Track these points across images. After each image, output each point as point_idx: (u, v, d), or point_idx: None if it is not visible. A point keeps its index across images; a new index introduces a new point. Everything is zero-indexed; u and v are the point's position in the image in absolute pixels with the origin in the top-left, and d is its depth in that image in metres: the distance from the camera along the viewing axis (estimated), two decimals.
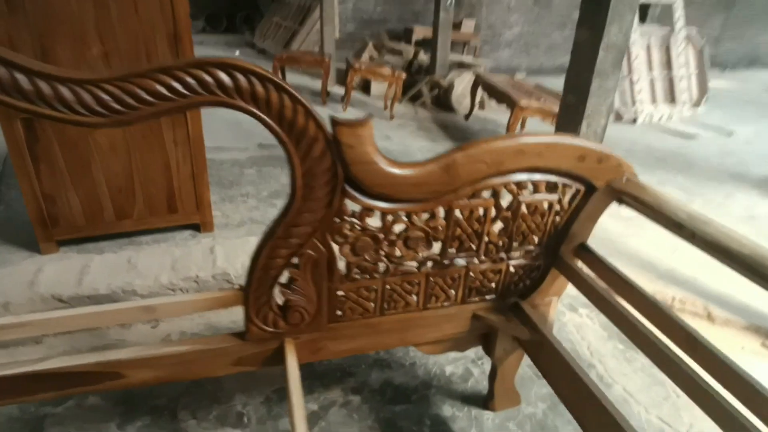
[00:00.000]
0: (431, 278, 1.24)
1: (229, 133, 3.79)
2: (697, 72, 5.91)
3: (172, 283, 1.79)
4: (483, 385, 1.67)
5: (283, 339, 1.19)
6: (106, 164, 1.99)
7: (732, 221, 2.98)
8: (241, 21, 10.54)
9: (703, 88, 5.93)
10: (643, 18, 6.78)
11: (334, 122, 0.95)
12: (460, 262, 1.24)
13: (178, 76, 0.83)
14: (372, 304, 1.23)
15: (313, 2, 7.07)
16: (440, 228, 1.16)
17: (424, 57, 6.21)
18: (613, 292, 1.19)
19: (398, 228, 1.13)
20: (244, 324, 1.15)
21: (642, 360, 1.81)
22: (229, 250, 1.97)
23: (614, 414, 1.01)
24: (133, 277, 1.78)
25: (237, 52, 8.15)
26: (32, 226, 1.98)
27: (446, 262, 1.22)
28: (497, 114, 5.39)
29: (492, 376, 1.54)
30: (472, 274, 1.27)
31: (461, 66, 6.01)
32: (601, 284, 1.21)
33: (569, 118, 2.33)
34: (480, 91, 4.86)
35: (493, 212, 1.18)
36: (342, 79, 5.59)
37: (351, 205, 1.06)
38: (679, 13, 5.63)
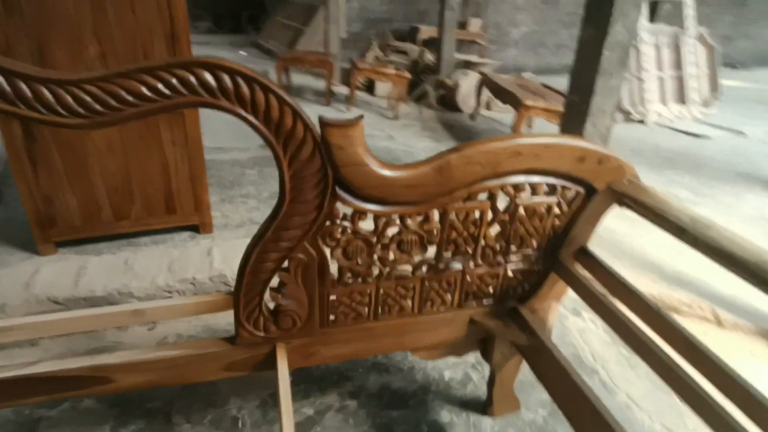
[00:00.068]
0: (426, 282, 1.21)
1: (230, 134, 3.79)
2: (707, 71, 5.82)
3: (169, 285, 1.77)
4: (482, 390, 1.64)
5: (274, 344, 1.17)
6: (104, 165, 1.98)
7: (742, 223, 2.91)
8: (246, 21, 10.57)
9: (714, 88, 5.83)
10: (652, 17, 6.68)
11: (323, 123, 0.93)
12: (456, 266, 1.21)
13: (161, 76, 0.81)
14: (366, 309, 1.21)
15: (319, 2, 7.06)
16: (435, 231, 1.13)
17: (429, 57, 6.18)
18: (613, 297, 1.15)
19: (391, 231, 1.10)
20: (235, 328, 1.13)
21: (647, 366, 1.77)
22: (226, 251, 1.96)
23: (613, 425, 0.98)
24: (130, 278, 1.77)
25: (242, 52, 8.16)
26: (30, 228, 1.98)
27: (441, 266, 1.19)
28: (503, 114, 5.34)
29: (491, 382, 1.51)
30: (468, 278, 1.24)
31: (467, 65, 5.97)
32: (601, 289, 1.17)
33: (573, 117, 2.29)
34: (485, 91, 4.82)
35: (489, 215, 1.15)
36: (347, 79, 5.57)
37: (342, 208, 1.04)
38: (689, 12, 5.55)
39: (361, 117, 0.95)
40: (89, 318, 1.07)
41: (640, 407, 1.62)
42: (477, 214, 1.14)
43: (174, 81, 0.82)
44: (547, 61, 8.94)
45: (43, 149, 1.87)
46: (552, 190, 1.15)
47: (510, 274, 1.27)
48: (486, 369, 1.69)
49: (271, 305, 1.13)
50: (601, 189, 1.15)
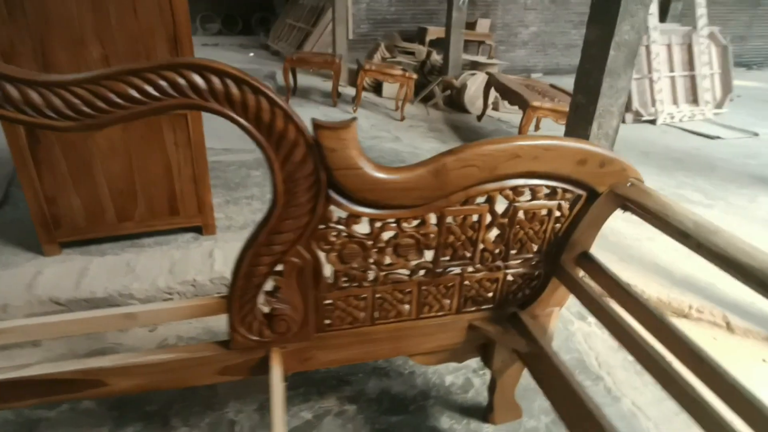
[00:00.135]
0: (424, 287, 1.19)
1: (235, 135, 3.77)
2: (720, 71, 5.71)
3: (169, 287, 1.77)
4: (484, 397, 1.61)
5: (269, 348, 1.16)
6: (107, 166, 1.99)
7: (756, 226, 2.84)
8: (256, 23, 10.63)
9: (726, 88, 5.73)
10: (663, 17, 6.58)
11: (316, 125, 0.91)
12: (454, 270, 1.18)
13: (149, 79, 0.80)
14: (362, 313, 1.19)
15: (326, 3, 7.07)
16: (432, 235, 1.11)
17: (437, 57, 6.15)
18: (616, 304, 1.12)
19: (387, 235, 1.08)
20: (229, 332, 1.11)
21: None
22: (228, 253, 1.96)
23: None
24: (131, 280, 1.77)
25: (250, 54, 8.20)
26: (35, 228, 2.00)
27: (439, 270, 1.17)
28: (511, 115, 5.29)
29: (491, 388, 1.48)
30: (467, 282, 1.22)
31: (474, 66, 5.93)
32: (603, 295, 1.14)
33: (579, 118, 2.25)
34: (493, 92, 4.78)
35: (488, 219, 1.13)
36: (354, 80, 5.56)
37: (337, 211, 1.02)
38: (701, 11, 5.45)
39: (354, 119, 0.93)
40: (80, 321, 1.06)
41: (646, 415, 1.58)
42: (475, 217, 1.11)
43: (163, 83, 0.81)
44: (556, 61, 8.85)
45: (47, 151, 1.89)
46: (552, 193, 1.12)
47: (510, 278, 1.24)
48: (488, 375, 1.66)
49: (266, 309, 1.11)
50: (604, 192, 1.12)
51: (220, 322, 1.88)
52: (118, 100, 0.81)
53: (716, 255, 0.87)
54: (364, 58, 6.12)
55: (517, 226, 1.15)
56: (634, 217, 1.09)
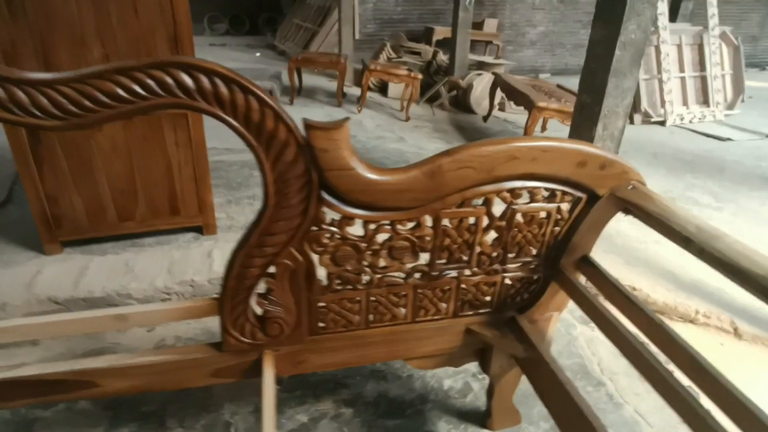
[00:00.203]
0: (419, 290, 1.17)
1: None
2: (732, 72, 5.62)
3: (167, 287, 1.77)
4: (482, 401, 1.59)
5: (262, 351, 1.14)
6: (108, 166, 1.99)
7: (767, 230, 2.78)
8: (263, 23, 10.66)
9: (738, 89, 5.64)
10: (674, 16, 6.50)
11: (307, 125, 0.89)
12: (451, 273, 1.16)
13: (137, 77, 0.79)
14: (356, 316, 1.17)
15: (333, 3, 7.07)
16: (427, 238, 1.09)
17: (443, 57, 6.12)
18: (616, 310, 1.09)
19: (381, 237, 1.06)
20: (221, 335, 1.10)
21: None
22: (227, 253, 1.93)
23: None
24: (129, 280, 1.77)
25: (257, 54, 8.22)
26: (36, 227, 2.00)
27: (435, 273, 1.15)
28: (517, 115, 5.25)
29: (490, 393, 1.46)
30: (464, 286, 1.19)
31: (481, 66, 5.89)
32: (603, 301, 1.11)
33: (584, 119, 2.21)
34: (499, 92, 4.74)
35: (485, 221, 1.10)
36: (360, 80, 5.55)
37: (330, 213, 1.01)
38: (713, 10, 5.37)
39: (346, 119, 0.92)
40: (71, 322, 1.06)
41: (648, 423, 1.55)
42: (471, 220, 1.09)
43: (150, 82, 0.80)
44: (564, 61, 8.78)
45: (48, 150, 1.89)
46: (551, 195, 1.10)
47: (508, 282, 1.22)
48: (487, 379, 1.64)
49: (259, 311, 1.10)
50: (604, 195, 1.09)
51: (218, 323, 1.88)
52: (106, 99, 0.79)
53: (718, 261, 0.84)
54: (370, 58, 6.10)
55: (515, 229, 1.13)
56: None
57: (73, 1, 1.72)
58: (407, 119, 4.80)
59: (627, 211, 1.09)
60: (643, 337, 1.01)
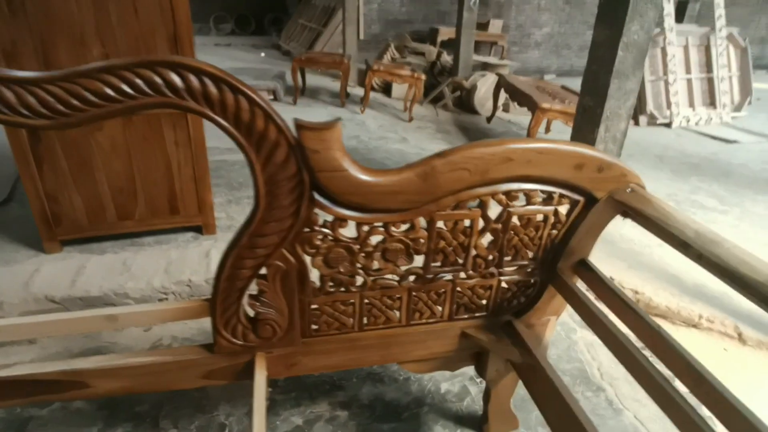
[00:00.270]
0: (414, 293, 1.15)
1: None
2: (739, 73, 5.56)
3: (164, 287, 1.77)
4: (480, 405, 1.57)
5: (254, 352, 1.13)
6: (108, 165, 1.99)
7: None
8: (269, 23, 10.69)
9: (745, 91, 5.58)
10: (680, 17, 6.44)
11: (298, 125, 0.88)
12: (446, 276, 1.15)
13: (125, 77, 0.78)
14: (350, 319, 1.16)
15: (337, 4, 7.07)
16: (421, 240, 1.07)
17: (447, 58, 6.10)
18: (613, 316, 1.07)
19: (375, 239, 1.05)
20: (213, 336, 1.09)
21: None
22: None
23: None
24: (126, 279, 1.77)
25: (261, 54, 8.24)
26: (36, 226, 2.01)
27: (430, 276, 1.13)
28: (521, 116, 5.22)
29: (486, 398, 1.44)
30: (459, 289, 1.18)
31: (485, 67, 5.87)
32: (600, 306, 1.10)
33: (586, 121, 2.19)
34: (503, 93, 4.72)
35: (480, 224, 1.09)
36: (363, 80, 5.54)
37: (322, 215, 0.99)
38: (720, 12, 5.31)
39: (338, 119, 0.90)
40: (62, 322, 1.05)
41: (648, 430, 1.52)
42: (467, 222, 1.07)
43: (138, 81, 0.79)
44: (570, 62, 8.73)
45: (48, 149, 1.89)
46: (548, 198, 1.08)
47: (504, 286, 1.20)
48: (485, 383, 1.62)
49: (251, 313, 1.09)
50: (602, 198, 1.07)
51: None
52: (94, 99, 0.79)
53: (717, 266, 0.82)
54: (374, 58, 6.10)
55: (511, 232, 1.11)
56: None
57: (73, 0, 1.73)
58: (410, 120, 4.78)
59: (625, 215, 1.07)
60: (639, 343, 0.99)
